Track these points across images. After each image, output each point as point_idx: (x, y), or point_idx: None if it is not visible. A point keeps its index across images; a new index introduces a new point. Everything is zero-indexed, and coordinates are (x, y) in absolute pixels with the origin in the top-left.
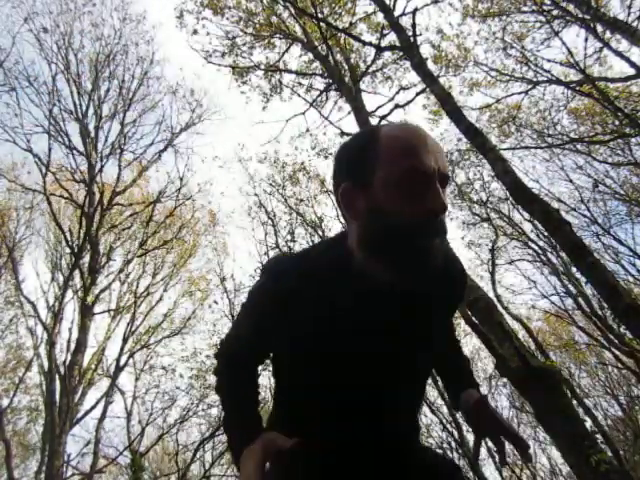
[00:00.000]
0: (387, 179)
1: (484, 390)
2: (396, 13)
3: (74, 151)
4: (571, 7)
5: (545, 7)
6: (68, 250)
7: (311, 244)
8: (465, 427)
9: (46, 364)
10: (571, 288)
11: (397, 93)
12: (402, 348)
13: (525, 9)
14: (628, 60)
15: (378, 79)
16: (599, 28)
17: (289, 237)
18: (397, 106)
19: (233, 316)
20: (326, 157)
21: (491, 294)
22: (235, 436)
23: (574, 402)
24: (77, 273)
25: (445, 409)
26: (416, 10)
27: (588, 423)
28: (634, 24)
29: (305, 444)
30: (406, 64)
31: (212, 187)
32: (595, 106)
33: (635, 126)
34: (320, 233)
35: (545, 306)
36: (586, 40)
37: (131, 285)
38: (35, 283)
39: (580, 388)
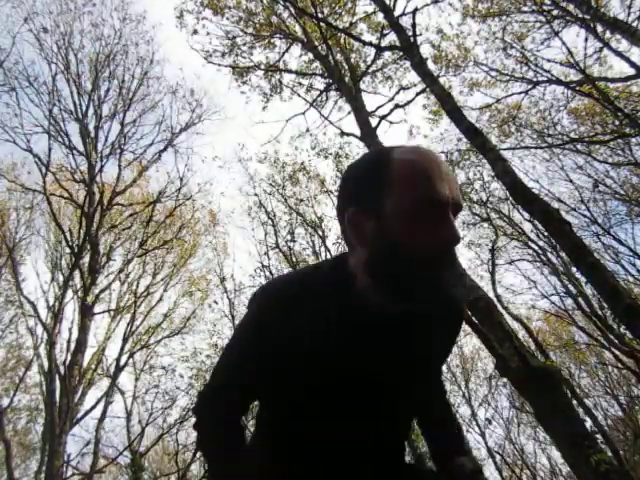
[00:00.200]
0: (400, 208)
1: (484, 390)
2: (396, 13)
3: (74, 151)
4: (571, 7)
5: (545, 7)
6: (68, 250)
7: (310, 264)
8: (465, 427)
9: (46, 364)
10: (571, 288)
11: (397, 93)
12: (398, 378)
13: (525, 9)
14: (628, 60)
15: (378, 79)
16: (599, 28)
17: (289, 237)
18: (397, 106)
19: (233, 316)
20: (326, 157)
21: (491, 294)
22: None
23: (574, 402)
24: (77, 273)
25: None
26: (416, 10)
27: (588, 423)
28: (634, 24)
29: None
30: (406, 64)
31: (212, 187)
32: (595, 106)
33: (635, 126)
34: (320, 233)
35: (545, 306)
36: (586, 40)
37: (131, 285)
38: (35, 283)
39: (580, 388)
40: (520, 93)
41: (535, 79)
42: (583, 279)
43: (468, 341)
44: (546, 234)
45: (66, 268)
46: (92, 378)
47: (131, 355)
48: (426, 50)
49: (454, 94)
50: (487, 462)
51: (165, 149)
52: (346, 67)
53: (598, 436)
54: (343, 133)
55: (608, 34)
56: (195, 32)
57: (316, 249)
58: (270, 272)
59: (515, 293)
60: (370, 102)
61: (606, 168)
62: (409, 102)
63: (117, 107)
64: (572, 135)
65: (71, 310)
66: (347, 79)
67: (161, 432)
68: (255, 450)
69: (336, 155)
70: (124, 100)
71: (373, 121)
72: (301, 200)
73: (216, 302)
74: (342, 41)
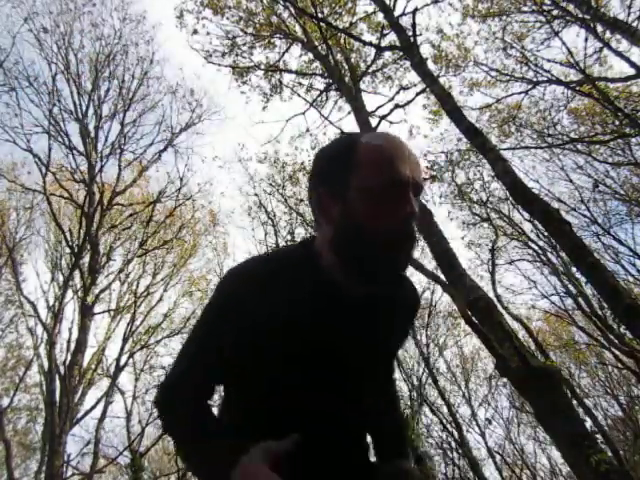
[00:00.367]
0: (363, 188)
1: (484, 390)
2: (396, 13)
3: (74, 151)
4: (571, 7)
5: (545, 7)
6: (68, 250)
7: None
8: (465, 427)
9: (46, 364)
10: (571, 288)
11: (397, 93)
12: (361, 358)
13: (525, 9)
14: (628, 60)
15: (378, 79)
16: (599, 28)
17: (289, 237)
18: (397, 106)
19: None
20: None
21: (491, 294)
22: (216, 461)
23: (574, 402)
24: (77, 273)
25: (445, 409)
26: (416, 10)
27: (588, 423)
28: (634, 24)
29: (300, 443)
30: (406, 64)
31: (212, 187)
32: (595, 106)
33: (635, 126)
34: None
35: (545, 306)
36: (586, 40)
37: (131, 285)
38: (35, 283)
39: (580, 388)
40: (520, 93)
41: (535, 79)
42: (583, 279)
43: (468, 341)
44: (546, 234)
45: (66, 268)
46: (92, 378)
47: (131, 355)
48: (426, 50)
49: (454, 94)
50: (487, 462)
51: (165, 149)
52: (346, 67)
53: (598, 436)
54: (343, 133)
55: (608, 34)
56: (195, 32)
57: None
58: None
59: (515, 293)
60: (370, 102)
61: (606, 168)
62: (409, 102)
63: (117, 107)
64: (572, 135)
65: (71, 310)
66: (347, 79)
67: (161, 432)
68: (229, 431)
69: None
70: (124, 100)
71: (373, 121)
72: (301, 200)
73: None
74: (342, 41)
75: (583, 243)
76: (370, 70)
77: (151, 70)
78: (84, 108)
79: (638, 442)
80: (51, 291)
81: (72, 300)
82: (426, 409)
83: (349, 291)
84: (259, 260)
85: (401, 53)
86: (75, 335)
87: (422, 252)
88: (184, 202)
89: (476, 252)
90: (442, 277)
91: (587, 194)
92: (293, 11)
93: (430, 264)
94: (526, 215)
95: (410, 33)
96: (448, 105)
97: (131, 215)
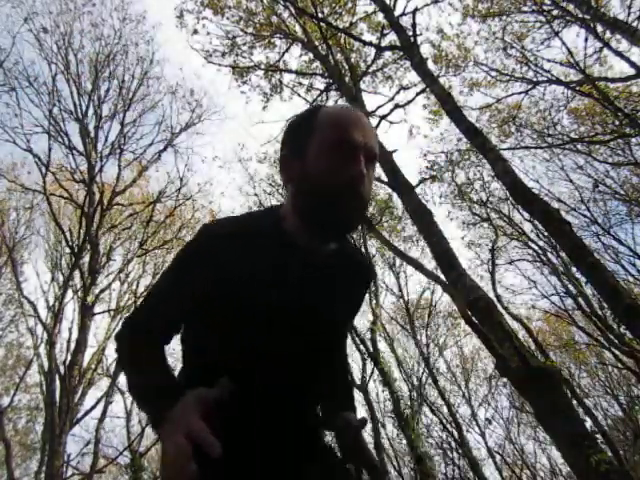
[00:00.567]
0: (317, 148)
1: (484, 390)
2: (396, 13)
3: (74, 151)
4: (571, 7)
5: (545, 7)
6: (68, 250)
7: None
8: (465, 427)
9: (46, 364)
10: (571, 288)
11: (397, 93)
12: (311, 314)
13: (525, 9)
14: (628, 60)
15: (378, 79)
16: (599, 28)
17: None
18: (397, 106)
19: None
20: None
21: (491, 294)
22: (155, 395)
23: (574, 402)
24: (77, 273)
25: (445, 409)
26: (416, 10)
27: (588, 423)
28: (634, 24)
29: (237, 391)
30: (406, 64)
31: (212, 187)
32: (595, 106)
33: (635, 126)
34: None
35: (545, 306)
36: (586, 40)
37: (131, 285)
38: (35, 283)
39: (580, 388)
40: (520, 93)
41: (535, 79)
42: (583, 279)
43: (468, 341)
44: (546, 234)
45: (66, 268)
46: (92, 378)
47: None
48: (426, 50)
49: (454, 94)
50: (487, 462)
51: (165, 149)
52: (346, 67)
53: (598, 436)
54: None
55: (608, 34)
56: (195, 32)
57: None
58: None
59: (515, 293)
60: (370, 102)
61: (606, 168)
62: (409, 102)
63: (117, 107)
64: (572, 135)
65: (71, 310)
66: (347, 79)
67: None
68: (180, 378)
69: None
70: (124, 100)
71: (373, 121)
72: None
73: None
74: (342, 41)
75: (583, 243)
76: (370, 70)
77: (151, 70)
78: (84, 108)
79: (638, 442)
80: (51, 291)
81: (72, 300)
82: (426, 409)
83: (309, 256)
84: (231, 220)
85: (401, 53)
86: (75, 335)
87: (422, 252)
88: (184, 202)
89: (476, 252)
90: (442, 277)
91: (587, 194)
92: (293, 11)
93: (430, 264)
94: (526, 215)
95: (410, 33)
96: (448, 105)
97: (131, 215)
